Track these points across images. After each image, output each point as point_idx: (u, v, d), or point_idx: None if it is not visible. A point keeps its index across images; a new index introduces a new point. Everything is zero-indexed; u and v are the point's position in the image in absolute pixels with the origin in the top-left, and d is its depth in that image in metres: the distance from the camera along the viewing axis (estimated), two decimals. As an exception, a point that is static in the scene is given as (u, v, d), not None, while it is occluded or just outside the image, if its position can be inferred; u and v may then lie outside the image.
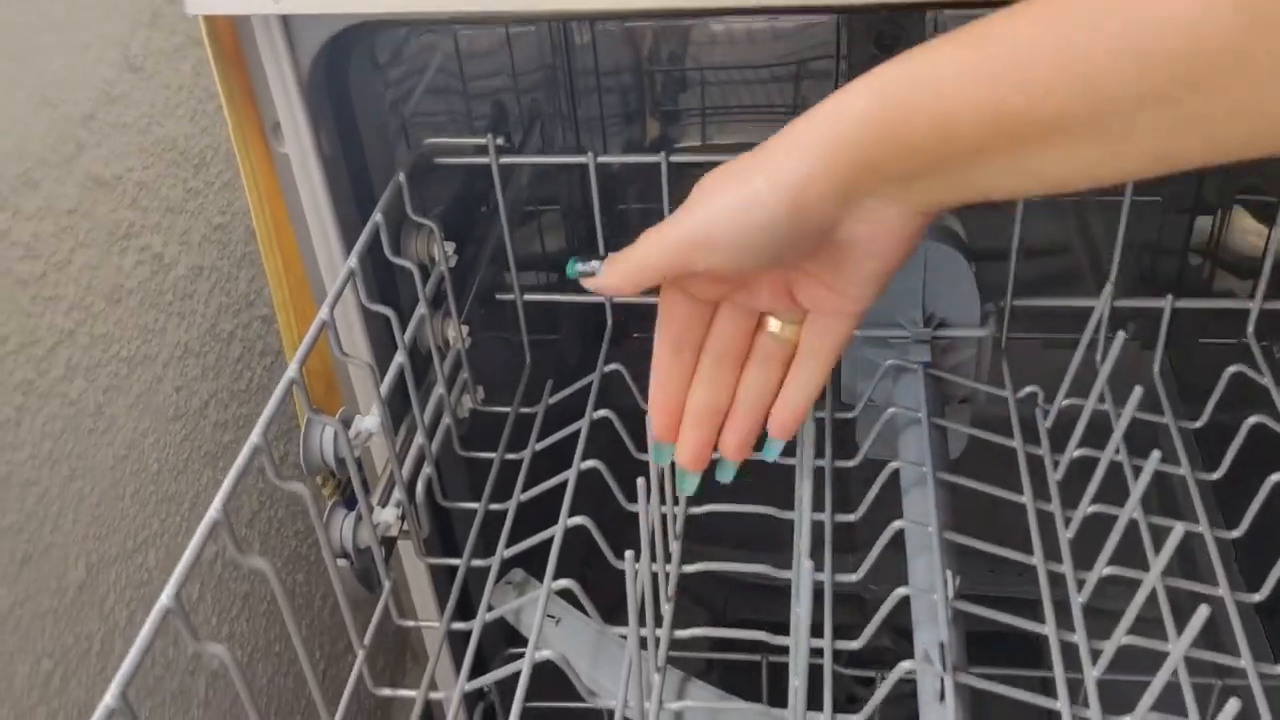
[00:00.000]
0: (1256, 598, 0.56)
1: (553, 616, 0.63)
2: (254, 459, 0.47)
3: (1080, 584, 0.55)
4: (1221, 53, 0.33)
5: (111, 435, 0.74)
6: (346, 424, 0.56)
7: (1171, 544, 0.45)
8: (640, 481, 0.52)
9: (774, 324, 0.50)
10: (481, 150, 0.65)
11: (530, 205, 0.99)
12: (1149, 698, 0.47)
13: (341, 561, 0.58)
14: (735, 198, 0.42)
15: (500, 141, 0.65)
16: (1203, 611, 0.41)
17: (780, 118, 1.16)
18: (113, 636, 0.73)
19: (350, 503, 0.59)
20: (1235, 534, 0.59)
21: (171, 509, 0.81)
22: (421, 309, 0.63)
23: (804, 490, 0.55)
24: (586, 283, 0.48)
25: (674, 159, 0.65)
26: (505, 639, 0.77)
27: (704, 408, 0.51)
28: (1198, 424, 0.65)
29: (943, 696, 0.51)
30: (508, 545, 0.62)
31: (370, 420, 0.57)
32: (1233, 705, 0.41)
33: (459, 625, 0.61)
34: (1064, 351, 0.65)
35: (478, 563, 0.63)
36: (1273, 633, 0.71)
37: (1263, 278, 0.64)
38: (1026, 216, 0.65)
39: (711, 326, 0.50)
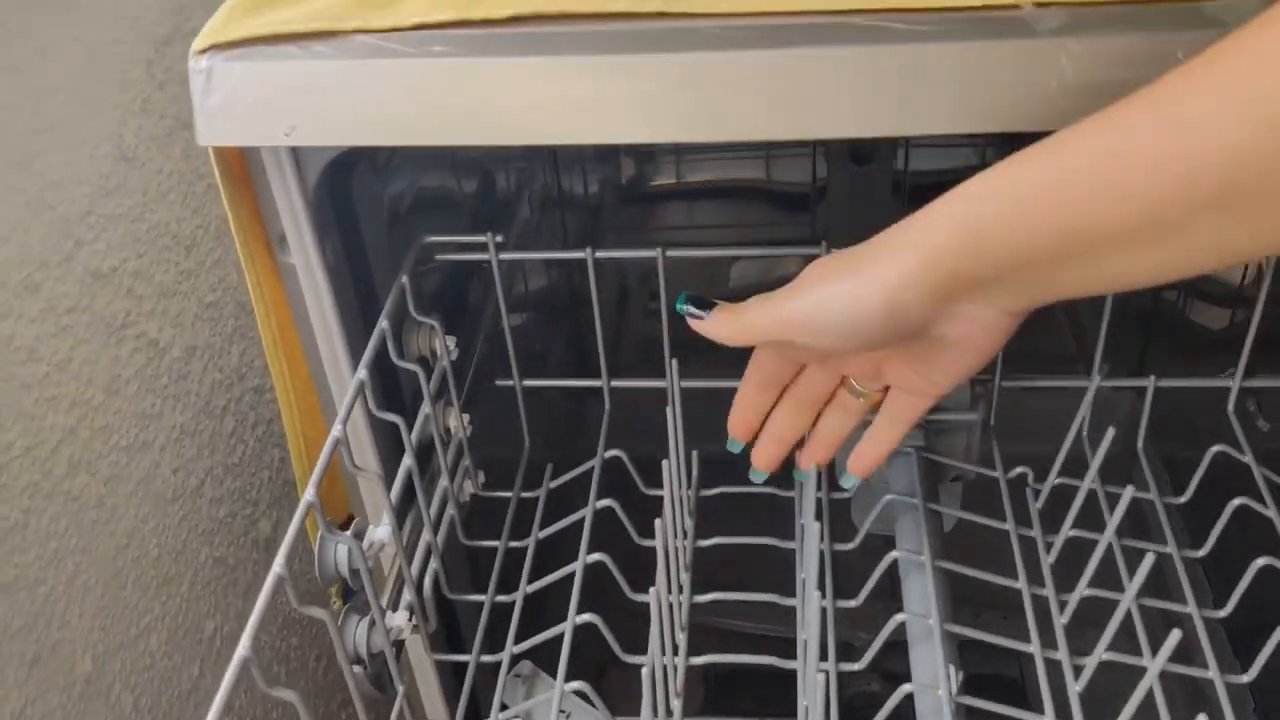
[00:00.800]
0: (1245, 679, 0.58)
1: (564, 712, 0.64)
2: (278, 592, 0.48)
3: (1077, 671, 0.57)
4: (1265, 175, 0.37)
5: (113, 525, 0.75)
6: (359, 536, 0.57)
7: (1170, 644, 0.47)
8: (653, 593, 0.53)
9: (857, 386, 0.56)
10: (480, 246, 0.66)
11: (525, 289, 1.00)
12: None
13: (357, 669, 0.59)
14: (841, 289, 0.47)
15: (499, 239, 0.66)
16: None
17: (752, 156, 1.17)
18: None
19: (362, 609, 0.60)
20: (1223, 613, 0.61)
21: (171, 591, 0.81)
22: (426, 408, 0.64)
23: (808, 577, 0.56)
24: (692, 323, 0.53)
25: (672, 254, 0.66)
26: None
27: (782, 433, 0.59)
28: (1183, 499, 0.67)
29: None
30: (515, 637, 0.64)
31: (382, 530, 0.58)
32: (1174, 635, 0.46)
33: None
34: (1055, 426, 0.67)
35: (487, 658, 0.64)
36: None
37: (1242, 359, 0.66)
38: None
39: (798, 378, 0.57)
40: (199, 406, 0.85)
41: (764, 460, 0.61)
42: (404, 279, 0.63)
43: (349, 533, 0.56)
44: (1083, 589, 0.60)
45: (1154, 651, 0.51)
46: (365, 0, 0.54)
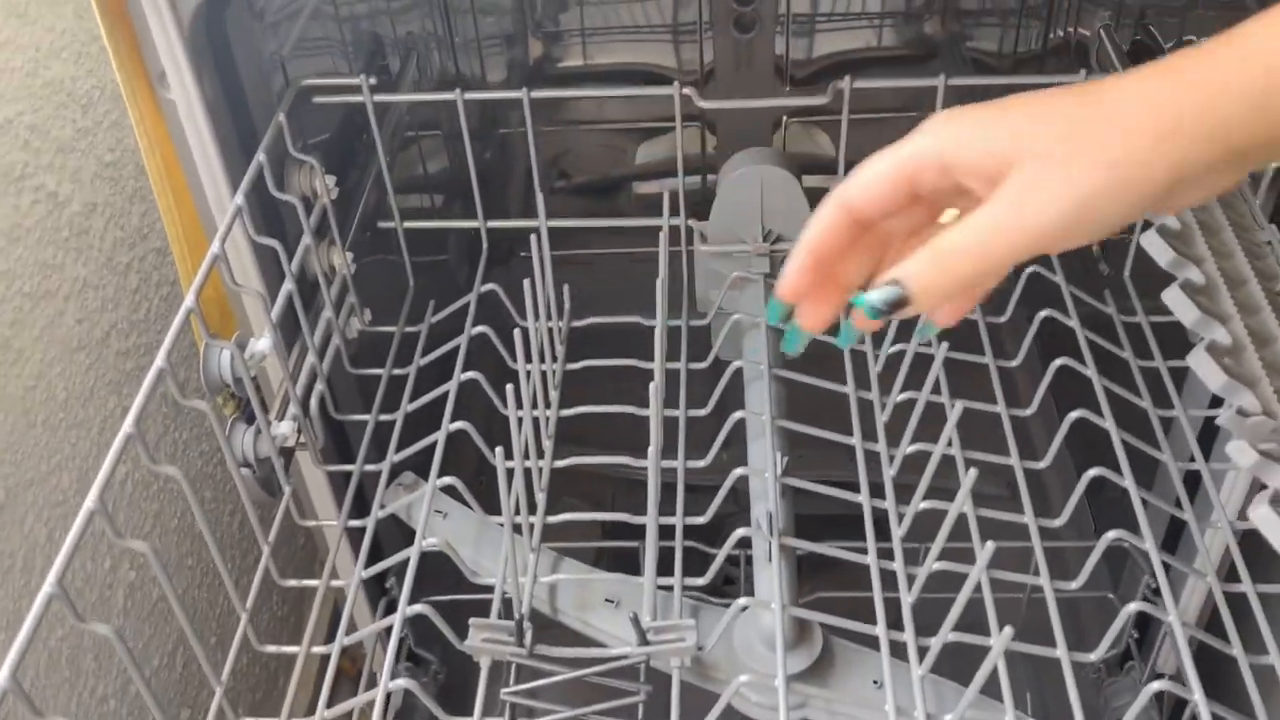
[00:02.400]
0: (1057, 522, 0.65)
1: (440, 511, 0.70)
2: (159, 381, 0.53)
3: (891, 458, 0.65)
4: None
5: (20, 367, 0.78)
6: (242, 346, 0.63)
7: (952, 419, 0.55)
8: (510, 388, 0.59)
9: (948, 215, 0.47)
10: (357, 89, 0.71)
11: (411, 130, 1.04)
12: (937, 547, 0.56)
13: (245, 471, 0.64)
14: (1103, 184, 0.41)
15: (373, 81, 0.70)
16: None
17: (658, 38, 1.22)
18: (33, 553, 0.78)
19: (250, 418, 0.65)
20: (1043, 464, 0.68)
21: (81, 434, 0.85)
22: (306, 239, 0.69)
23: (656, 385, 0.63)
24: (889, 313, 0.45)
25: (536, 94, 0.71)
26: (402, 536, 0.85)
27: (853, 280, 0.48)
28: (1002, 319, 0.74)
29: (770, 558, 0.60)
30: (397, 451, 0.70)
31: (263, 342, 0.64)
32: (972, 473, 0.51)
33: (356, 522, 0.69)
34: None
35: (370, 468, 0.70)
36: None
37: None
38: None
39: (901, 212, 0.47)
40: (101, 261, 0.88)
41: (822, 318, 0.49)
42: (280, 116, 0.67)
43: (231, 340, 0.61)
44: (896, 395, 0.68)
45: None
46: None
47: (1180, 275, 0.59)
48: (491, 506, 0.65)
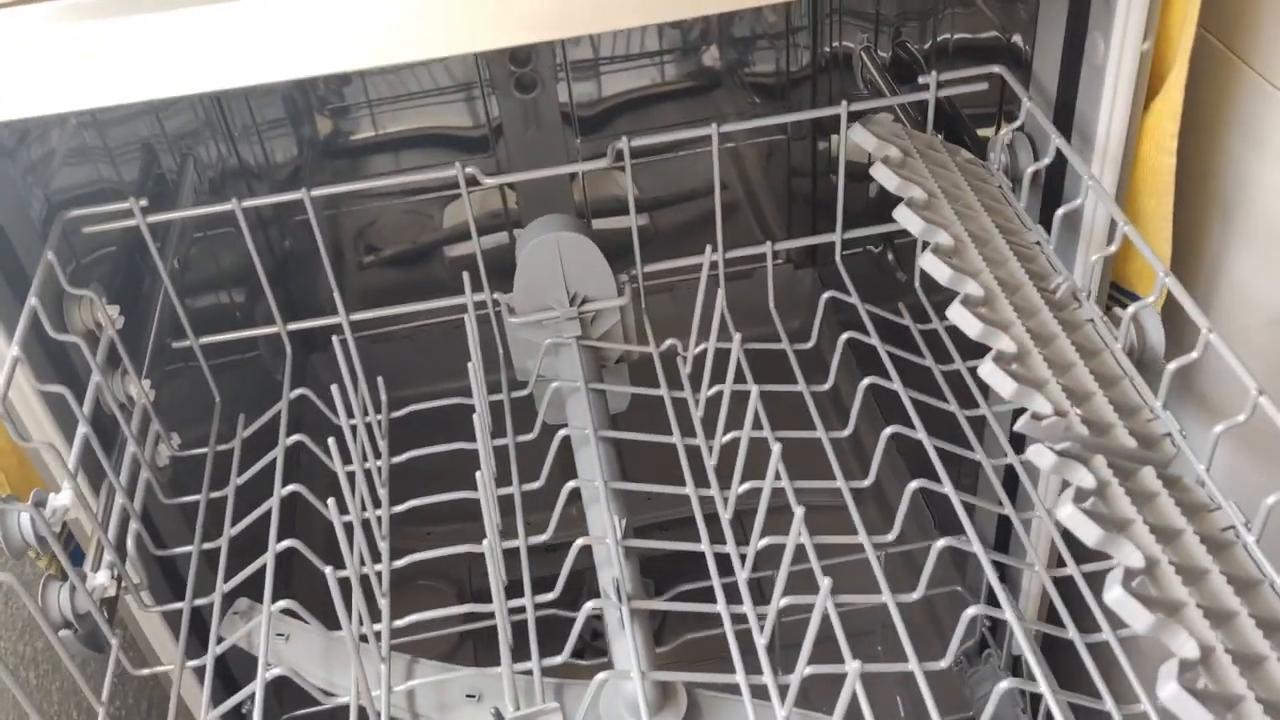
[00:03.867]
0: (864, 483, 0.68)
1: (282, 635, 0.68)
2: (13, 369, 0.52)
3: (725, 500, 0.66)
4: None
5: None
6: (40, 505, 0.59)
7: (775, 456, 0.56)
8: (331, 501, 0.58)
9: None
10: (128, 213, 0.68)
11: (199, 232, 1.01)
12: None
13: (65, 633, 0.61)
14: None
15: (144, 203, 0.68)
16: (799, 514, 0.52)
17: (446, 100, 1.22)
18: None
19: (63, 575, 0.62)
20: (845, 432, 0.71)
21: None
22: (96, 376, 0.66)
23: (485, 470, 0.62)
24: None
25: (316, 193, 0.70)
26: (253, 664, 0.82)
27: None
28: (809, 345, 0.76)
29: (624, 625, 0.60)
30: (226, 578, 0.67)
31: (64, 497, 0.60)
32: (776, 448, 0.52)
33: (195, 662, 0.66)
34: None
35: (201, 601, 0.67)
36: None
37: (838, 219, 0.77)
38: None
39: None
40: None
41: None
42: (50, 255, 0.64)
43: (29, 502, 0.58)
44: (720, 438, 0.69)
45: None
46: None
47: (960, 290, 0.61)
48: (336, 621, 0.63)
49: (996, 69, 0.74)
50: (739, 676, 0.58)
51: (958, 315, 0.59)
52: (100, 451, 0.64)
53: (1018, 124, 0.73)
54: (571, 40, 1.21)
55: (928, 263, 0.62)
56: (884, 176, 0.69)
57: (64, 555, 0.59)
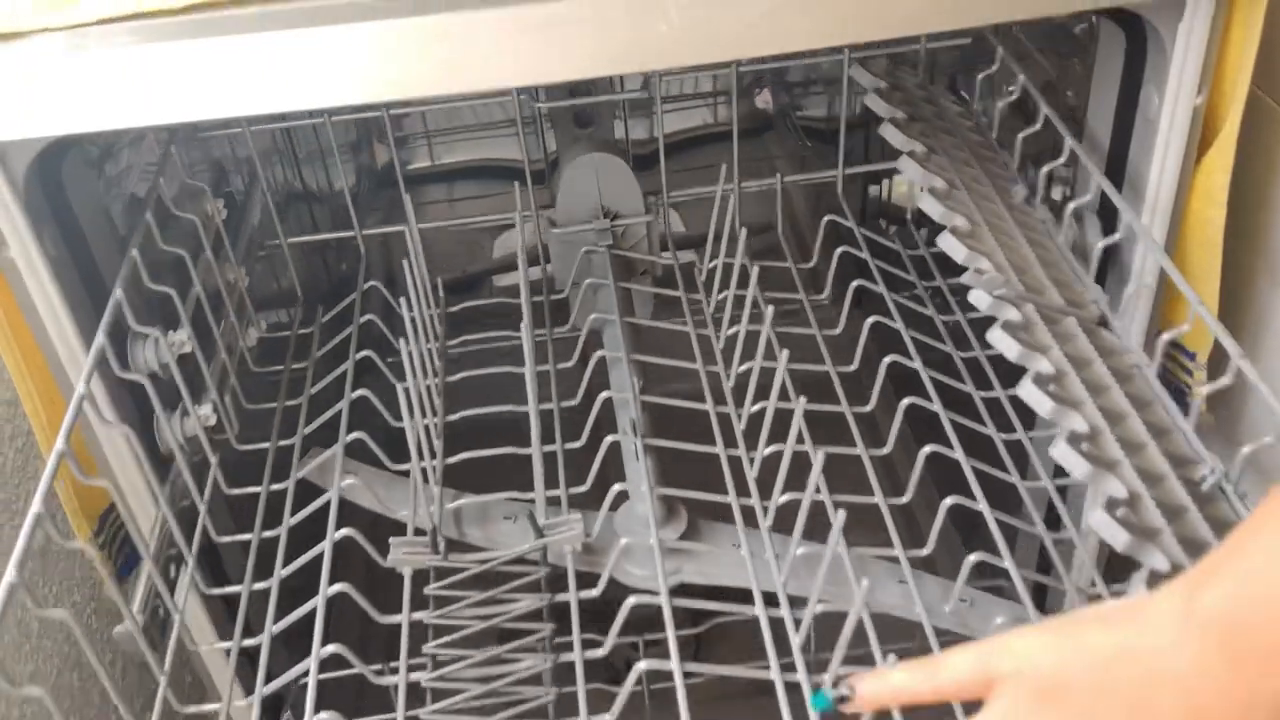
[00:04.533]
0: (864, 408, 0.75)
1: (350, 472, 0.73)
2: (38, 526, 0.54)
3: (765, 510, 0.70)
4: None
5: None
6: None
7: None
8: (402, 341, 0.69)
9: None
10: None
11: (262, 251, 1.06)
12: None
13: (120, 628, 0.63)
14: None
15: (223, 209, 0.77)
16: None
17: (502, 133, 1.26)
18: None
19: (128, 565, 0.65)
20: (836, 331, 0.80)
21: None
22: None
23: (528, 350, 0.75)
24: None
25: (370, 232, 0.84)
26: (289, 658, 0.81)
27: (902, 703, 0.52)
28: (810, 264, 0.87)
29: (638, 456, 0.71)
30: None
31: (180, 334, 0.69)
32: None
33: (250, 641, 0.69)
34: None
35: (276, 487, 0.74)
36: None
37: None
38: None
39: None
40: None
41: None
42: (119, 292, 0.68)
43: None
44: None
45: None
46: (42, 3, 0.58)
47: (1001, 317, 0.67)
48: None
49: (1070, 146, 0.74)
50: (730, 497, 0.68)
51: (997, 339, 0.65)
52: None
53: (1062, 160, 0.75)
54: (630, 77, 1.25)
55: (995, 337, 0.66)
56: (930, 206, 0.74)
57: (184, 385, 0.66)
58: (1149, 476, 0.59)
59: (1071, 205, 0.74)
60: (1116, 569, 0.65)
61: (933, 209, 0.73)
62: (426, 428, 0.71)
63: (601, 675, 0.82)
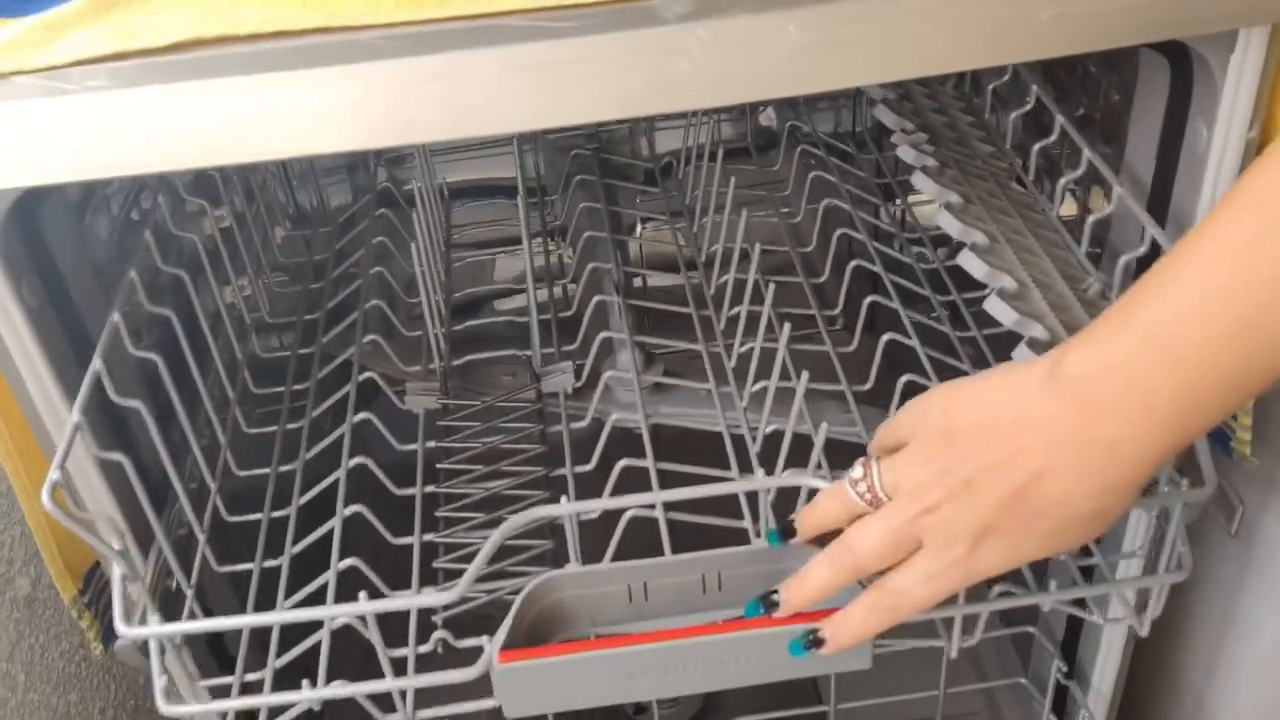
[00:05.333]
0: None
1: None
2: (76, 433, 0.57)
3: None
4: None
5: None
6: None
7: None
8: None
9: None
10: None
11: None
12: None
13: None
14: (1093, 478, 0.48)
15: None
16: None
17: (502, 151, 1.21)
18: None
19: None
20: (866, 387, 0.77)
21: None
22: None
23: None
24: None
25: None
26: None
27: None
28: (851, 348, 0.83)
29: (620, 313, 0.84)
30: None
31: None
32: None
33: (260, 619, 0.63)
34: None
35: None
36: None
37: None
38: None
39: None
40: None
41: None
42: (115, 317, 0.65)
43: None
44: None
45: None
46: (17, 42, 0.55)
47: (994, 285, 0.68)
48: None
49: (1117, 190, 0.71)
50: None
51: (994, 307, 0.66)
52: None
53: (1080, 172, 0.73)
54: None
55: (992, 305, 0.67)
56: (947, 222, 0.72)
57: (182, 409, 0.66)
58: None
59: (1122, 260, 0.70)
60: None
61: (950, 225, 0.71)
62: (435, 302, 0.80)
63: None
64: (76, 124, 0.52)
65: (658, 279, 0.99)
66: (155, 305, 0.70)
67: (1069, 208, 0.82)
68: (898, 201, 1.08)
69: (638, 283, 1.06)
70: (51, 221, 0.65)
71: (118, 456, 0.62)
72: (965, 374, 0.77)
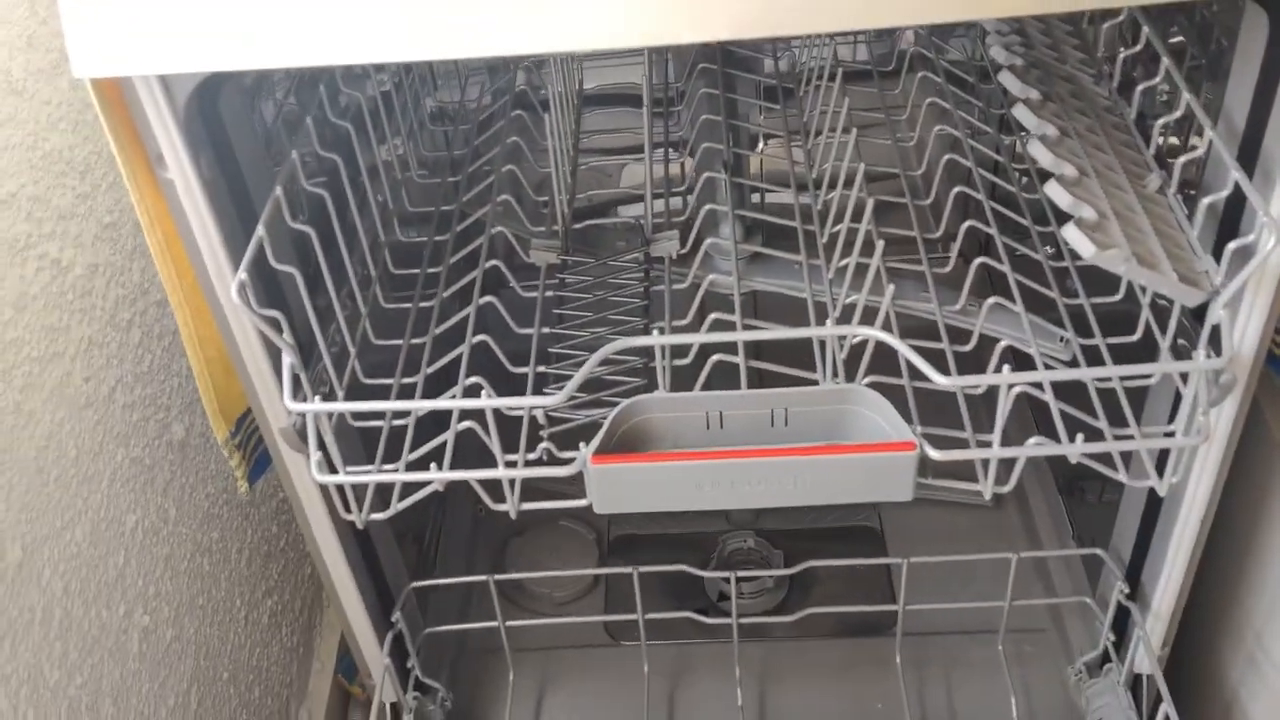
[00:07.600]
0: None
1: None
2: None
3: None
4: None
5: (32, 428, 0.79)
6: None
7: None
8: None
9: None
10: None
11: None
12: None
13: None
14: None
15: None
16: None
17: (639, 60, 1.25)
18: (52, 606, 0.79)
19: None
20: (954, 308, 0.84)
21: (92, 488, 0.86)
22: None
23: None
24: None
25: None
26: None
27: None
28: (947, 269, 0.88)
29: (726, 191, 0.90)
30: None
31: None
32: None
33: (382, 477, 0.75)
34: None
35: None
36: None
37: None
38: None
39: None
40: (105, 320, 0.89)
41: None
42: (278, 190, 0.72)
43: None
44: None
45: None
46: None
47: (1075, 214, 0.70)
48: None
49: (1209, 134, 0.72)
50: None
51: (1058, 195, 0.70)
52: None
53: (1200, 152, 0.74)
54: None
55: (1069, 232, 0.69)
56: (1039, 153, 0.75)
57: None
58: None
59: (1206, 201, 0.72)
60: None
61: (1043, 156, 0.74)
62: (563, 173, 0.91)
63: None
64: (257, 15, 0.58)
65: (773, 196, 1.05)
66: (312, 185, 0.78)
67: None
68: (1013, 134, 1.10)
69: (755, 199, 1.10)
70: (227, 104, 0.71)
71: (274, 313, 0.70)
72: (1052, 301, 0.82)
